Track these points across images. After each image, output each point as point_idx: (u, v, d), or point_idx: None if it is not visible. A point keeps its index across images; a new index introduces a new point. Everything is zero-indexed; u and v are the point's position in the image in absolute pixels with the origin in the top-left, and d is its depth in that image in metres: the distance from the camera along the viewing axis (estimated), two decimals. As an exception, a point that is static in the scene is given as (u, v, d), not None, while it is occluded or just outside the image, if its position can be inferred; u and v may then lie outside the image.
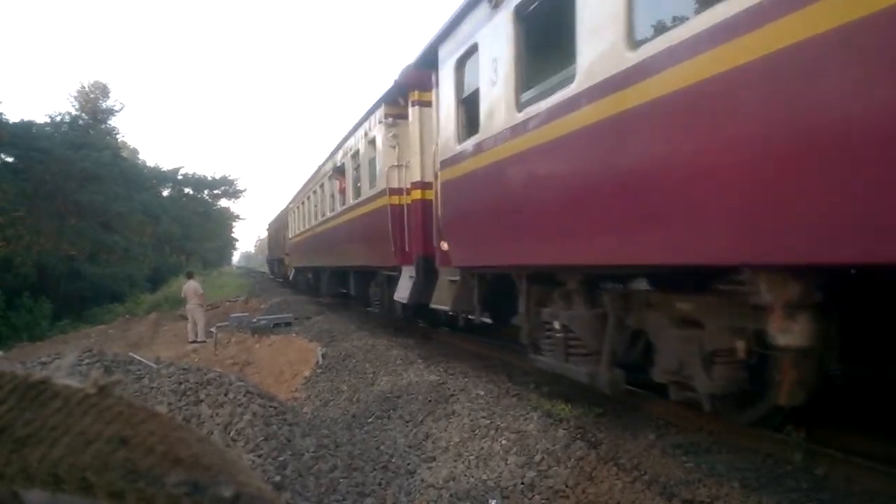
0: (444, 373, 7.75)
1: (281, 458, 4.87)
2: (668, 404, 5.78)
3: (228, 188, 65.50)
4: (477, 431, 5.45)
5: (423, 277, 9.54)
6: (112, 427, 0.43)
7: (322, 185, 18.38)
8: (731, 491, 3.90)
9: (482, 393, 6.49)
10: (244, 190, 68.03)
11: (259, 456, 4.84)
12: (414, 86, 9.76)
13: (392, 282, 11.28)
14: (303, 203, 23.26)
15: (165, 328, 20.00)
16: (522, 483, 4.46)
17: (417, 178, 9.88)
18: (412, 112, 9.98)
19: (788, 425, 4.47)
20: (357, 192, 13.60)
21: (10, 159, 33.07)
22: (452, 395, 6.51)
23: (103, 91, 48.34)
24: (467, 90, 7.30)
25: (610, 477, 4.28)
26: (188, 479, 0.42)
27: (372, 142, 12.05)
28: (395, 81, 10.24)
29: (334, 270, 18.44)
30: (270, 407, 5.67)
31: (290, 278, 30.76)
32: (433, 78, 8.46)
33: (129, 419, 0.44)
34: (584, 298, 5.58)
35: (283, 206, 33.67)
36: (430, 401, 6.53)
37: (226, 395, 5.71)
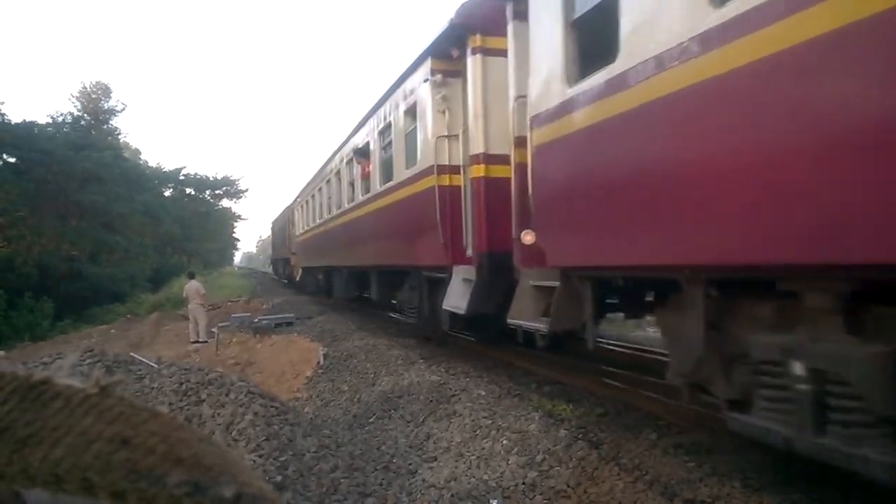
0: (446, 373, 7.75)
1: (282, 459, 4.88)
2: (668, 404, 5.78)
3: (230, 188, 65.64)
4: (478, 431, 5.45)
5: (489, 280, 7.39)
6: (113, 427, 0.43)
7: (338, 173, 15.79)
8: (732, 490, 3.90)
9: (483, 393, 6.49)
10: (246, 190, 68.01)
11: (260, 456, 4.85)
12: (476, 28, 7.58)
13: (435, 285, 9.27)
14: (313, 196, 20.61)
15: (167, 328, 20.02)
16: (524, 483, 4.46)
17: (480, 149, 7.51)
18: (473, 63, 7.61)
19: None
20: (387, 175, 11.03)
21: (12, 160, 33.17)
22: (454, 396, 6.51)
23: (105, 91, 48.50)
24: (586, 3, 5.08)
25: (611, 477, 4.28)
26: (189, 480, 0.42)
27: (411, 110, 9.61)
28: (451, 22, 7.82)
29: (352, 271, 15.63)
30: (272, 407, 5.67)
31: (298, 279, 27.91)
32: (509, 10, 6.49)
33: (131, 419, 0.44)
34: (844, 324, 3.27)
35: (287, 204, 32.06)
36: (431, 401, 6.53)
37: (227, 395, 5.72)
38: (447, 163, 8.23)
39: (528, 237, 5.91)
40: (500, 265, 7.10)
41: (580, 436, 5.00)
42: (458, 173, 8.14)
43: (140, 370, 6.62)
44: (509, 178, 6.66)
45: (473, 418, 5.74)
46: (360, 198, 13.17)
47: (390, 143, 10.84)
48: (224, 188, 65.08)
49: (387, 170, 11.13)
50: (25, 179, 32.60)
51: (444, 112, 8.29)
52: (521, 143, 6.19)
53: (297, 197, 26.02)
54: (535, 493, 4.33)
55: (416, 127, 9.38)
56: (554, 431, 5.08)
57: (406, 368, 8.19)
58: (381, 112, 11.54)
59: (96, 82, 48.23)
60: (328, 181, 17.46)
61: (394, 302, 13.04)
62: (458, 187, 8.16)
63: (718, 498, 3.86)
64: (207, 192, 63.81)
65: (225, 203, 69.11)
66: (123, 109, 51.24)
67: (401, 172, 10.08)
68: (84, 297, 34.48)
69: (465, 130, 7.95)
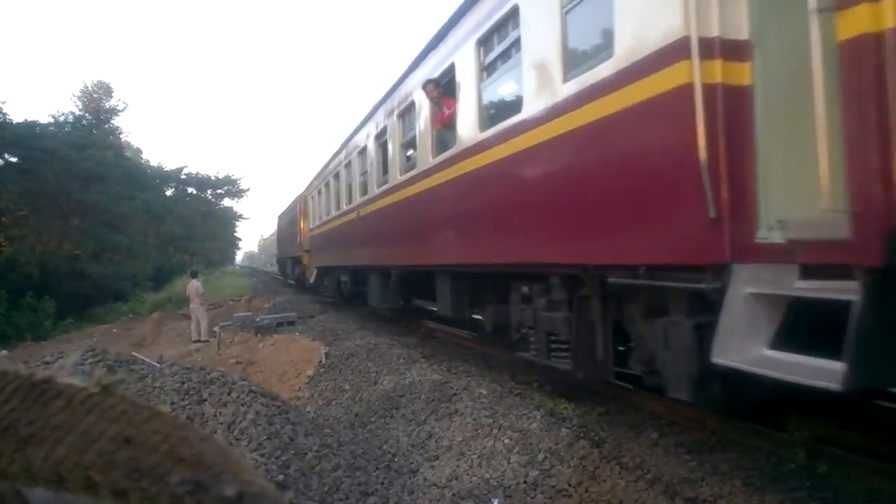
0: (447, 372, 7.75)
1: (284, 458, 4.88)
2: (670, 403, 5.77)
3: (231, 188, 65.63)
4: (480, 430, 5.45)
5: None
6: (115, 426, 0.43)
7: (381, 135, 11.49)
8: (733, 489, 3.90)
9: (485, 392, 6.49)
10: (247, 189, 68.00)
11: (262, 455, 4.85)
12: None
13: (618, 302, 5.23)
14: (336, 176, 16.24)
15: (169, 327, 20.04)
16: (525, 482, 4.46)
17: None
18: None
19: (791, 424, 4.46)
20: (506, 107, 6.59)
21: (14, 159, 33.20)
22: (455, 394, 6.51)
23: (106, 91, 48.49)
24: None
25: (613, 476, 4.28)
26: (191, 479, 0.42)
27: None
28: None
29: (404, 272, 11.13)
30: (273, 406, 5.68)
31: (311, 281, 22.92)
32: None
33: (133, 418, 0.44)
34: None
35: (294, 197, 29.23)
36: (432, 400, 6.53)
37: (229, 394, 5.73)
38: (716, 34, 3.80)
39: None
40: None
41: (582, 435, 5.00)
42: (742, 59, 3.76)
43: (142, 369, 6.64)
44: None
45: (475, 417, 5.74)
46: (430, 161, 8.55)
47: (515, 45, 6.20)
48: (225, 187, 65.08)
49: (507, 99, 6.72)
50: (27, 179, 32.63)
51: None
52: None
53: (313, 180, 21.41)
54: (536, 491, 4.33)
55: None
56: (555, 430, 5.08)
57: (407, 367, 8.19)
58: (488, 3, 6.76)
59: (98, 82, 48.26)
60: (362, 151, 12.98)
61: (478, 318, 8.82)
62: (744, 89, 3.76)
63: (720, 497, 3.86)
64: (209, 191, 63.81)
65: (226, 202, 69.16)
66: (125, 109, 51.25)
67: (553, 89, 5.39)
68: (86, 296, 34.54)
69: None
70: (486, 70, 7.05)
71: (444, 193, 8.03)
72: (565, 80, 5.22)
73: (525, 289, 6.51)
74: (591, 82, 4.81)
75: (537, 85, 5.72)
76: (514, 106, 6.24)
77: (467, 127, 7.33)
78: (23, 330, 25.82)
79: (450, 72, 7.92)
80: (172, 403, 5.62)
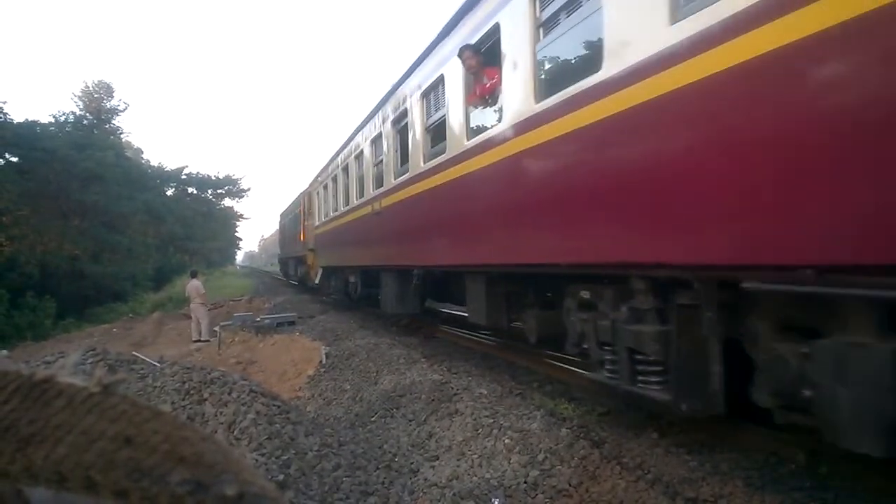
0: (448, 372, 7.75)
1: (284, 457, 4.88)
2: (669, 403, 5.77)
3: (232, 187, 65.67)
4: (480, 430, 5.45)
5: None
6: (116, 426, 0.43)
7: (401, 119, 10.08)
8: (734, 490, 3.90)
9: (485, 392, 6.49)
10: (248, 189, 68.06)
11: (262, 455, 4.85)
12: None
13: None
14: (345, 169, 14.86)
15: (169, 327, 20.06)
16: (525, 482, 4.46)
17: None
18: None
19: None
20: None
21: (14, 159, 33.23)
22: (455, 394, 6.51)
23: (107, 91, 48.55)
24: None
25: (613, 476, 4.27)
26: (192, 478, 0.42)
27: None
28: None
29: (428, 271, 10.05)
30: (274, 406, 5.68)
31: (316, 282, 21.85)
32: None
33: (133, 418, 0.44)
34: None
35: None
36: (433, 400, 6.53)
37: (229, 394, 5.73)
38: None
39: None
40: None
41: (582, 435, 5.00)
42: None
43: (142, 369, 6.64)
44: None
45: (475, 417, 5.74)
46: (464, 145, 7.15)
47: None
48: (226, 187, 65.13)
49: (577, 58, 5.37)
50: (28, 179, 32.65)
51: None
52: None
53: (318, 175, 20.28)
54: (536, 491, 4.33)
55: None
56: (556, 430, 5.08)
57: (408, 367, 8.19)
58: None
59: (98, 81, 48.36)
60: (375, 140, 11.86)
61: (516, 325, 7.57)
62: None
63: (720, 497, 3.86)
64: (209, 191, 63.86)
65: (227, 202, 69.22)
66: (125, 109, 51.26)
67: (654, 36, 3.99)
68: (86, 296, 34.57)
69: None
70: (544, 27, 5.59)
71: (484, 181, 6.66)
72: (674, 20, 3.85)
73: (585, 293, 5.33)
74: (724, 16, 3.40)
75: (627, 33, 4.29)
76: (588, 66, 4.82)
77: (517, 99, 5.91)
78: (23, 329, 25.86)
79: (492, 35, 6.50)
80: (173, 403, 5.63)
